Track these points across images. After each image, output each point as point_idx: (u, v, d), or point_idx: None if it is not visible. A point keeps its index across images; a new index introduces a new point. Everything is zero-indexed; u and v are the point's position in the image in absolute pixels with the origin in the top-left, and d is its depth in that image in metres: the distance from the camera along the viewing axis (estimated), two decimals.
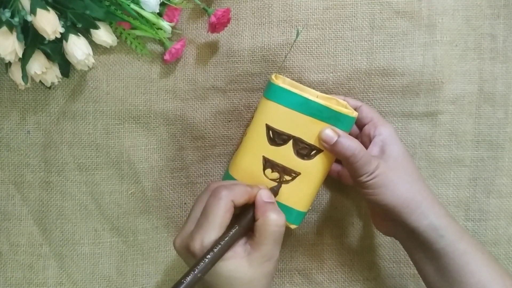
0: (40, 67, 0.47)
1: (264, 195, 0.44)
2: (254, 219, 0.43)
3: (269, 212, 0.42)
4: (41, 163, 0.53)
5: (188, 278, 0.38)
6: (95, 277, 0.55)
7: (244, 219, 0.43)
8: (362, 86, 0.53)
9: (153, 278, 0.55)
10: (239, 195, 0.43)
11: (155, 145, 0.54)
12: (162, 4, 0.49)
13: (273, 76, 0.46)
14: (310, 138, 0.45)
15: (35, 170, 0.53)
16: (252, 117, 0.48)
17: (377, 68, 0.53)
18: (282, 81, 0.47)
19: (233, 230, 0.42)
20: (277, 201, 0.46)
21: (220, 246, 0.40)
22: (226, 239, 0.41)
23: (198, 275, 0.39)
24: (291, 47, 0.52)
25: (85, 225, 0.54)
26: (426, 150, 0.55)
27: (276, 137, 0.46)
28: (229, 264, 0.41)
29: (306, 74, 0.53)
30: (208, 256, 0.39)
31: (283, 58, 0.52)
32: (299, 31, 0.52)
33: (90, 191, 0.54)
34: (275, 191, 0.46)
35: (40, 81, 0.49)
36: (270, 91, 0.46)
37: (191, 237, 0.41)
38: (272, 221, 0.42)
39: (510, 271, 0.56)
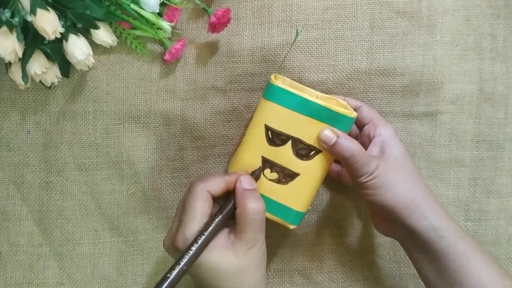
0: (40, 67, 0.47)
1: (244, 182, 0.44)
2: (235, 207, 0.43)
3: (248, 200, 0.42)
4: (41, 163, 0.53)
5: (174, 272, 0.38)
6: (95, 277, 0.55)
7: (226, 207, 0.43)
8: (362, 86, 0.53)
9: (153, 278, 0.55)
10: (215, 184, 0.43)
11: (155, 145, 0.54)
12: (162, 4, 0.49)
13: (272, 77, 0.46)
14: (309, 138, 0.45)
15: (35, 170, 0.53)
16: (252, 118, 0.48)
17: (377, 68, 0.53)
18: (282, 81, 0.47)
19: (216, 219, 0.42)
20: (276, 201, 0.46)
21: (203, 236, 0.40)
22: (209, 229, 0.41)
23: (184, 267, 0.39)
24: (291, 47, 0.52)
25: (85, 225, 0.54)
26: (426, 150, 0.55)
27: (275, 138, 0.46)
28: (214, 255, 0.41)
29: (306, 74, 0.53)
30: (193, 248, 0.39)
31: (283, 58, 0.52)
32: (299, 31, 0.52)
33: (90, 191, 0.54)
34: (256, 175, 0.46)
35: (40, 81, 0.49)
36: (269, 92, 0.46)
37: (175, 234, 0.42)
38: (250, 209, 0.41)
39: (510, 271, 0.56)
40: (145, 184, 0.54)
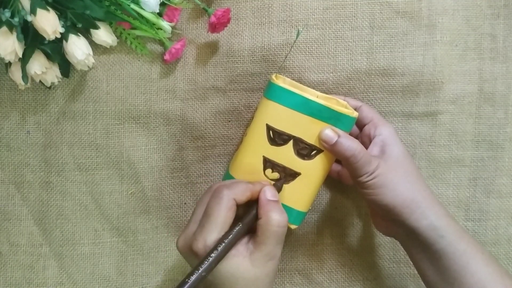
0: (40, 67, 0.47)
1: (269, 193, 0.43)
2: (257, 217, 0.43)
3: (272, 212, 0.42)
4: (41, 163, 0.53)
5: (193, 277, 0.38)
6: (95, 277, 0.55)
7: (247, 216, 0.43)
8: (362, 86, 0.53)
9: (153, 278, 0.55)
10: (241, 193, 0.42)
11: (155, 145, 0.54)
12: (162, 4, 0.49)
13: (273, 76, 0.46)
14: (310, 138, 0.45)
15: (35, 170, 0.53)
16: (252, 117, 0.48)
17: (377, 68, 0.53)
18: (282, 81, 0.47)
19: (237, 228, 0.41)
20: None
21: (223, 244, 0.40)
22: (229, 237, 0.41)
23: (203, 274, 0.39)
24: (291, 47, 0.52)
25: (85, 225, 0.54)
26: (426, 150, 0.55)
27: (277, 137, 0.46)
28: (232, 263, 0.41)
29: (306, 74, 0.53)
30: (212, 255, 0.39)
31: (283, 58, 0.52)
32: (299, 31, 0.52)
33: (90, 191, 0.54)
34: (278, 187, 0.46)
35: (40, 81, 0.49)
36: (270, 91, 0.46)
37: (194, 238, 0.41)
38: (274, 221, 0.41)
39: (510, 271, 0.56)
40: (145, 184, 0.54)
